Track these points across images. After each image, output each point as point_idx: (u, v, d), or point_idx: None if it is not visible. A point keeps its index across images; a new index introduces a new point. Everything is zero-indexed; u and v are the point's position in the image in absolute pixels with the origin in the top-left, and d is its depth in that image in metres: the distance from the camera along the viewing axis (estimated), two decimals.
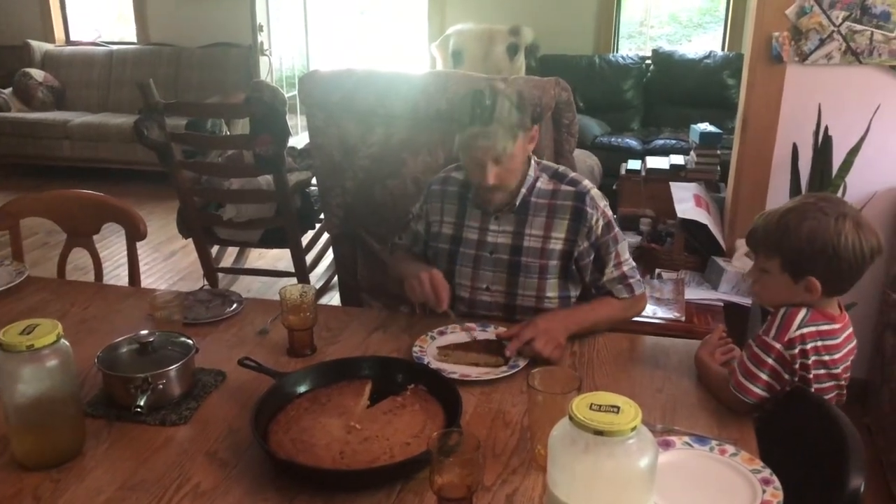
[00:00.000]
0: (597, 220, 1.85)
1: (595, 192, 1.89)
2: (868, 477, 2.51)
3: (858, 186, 2.62)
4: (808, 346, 1.43)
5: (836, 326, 1.46)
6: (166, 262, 4.56)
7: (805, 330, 1.43)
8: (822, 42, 2.63)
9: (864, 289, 2.77)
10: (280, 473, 1.29)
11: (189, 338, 1.57)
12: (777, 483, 1.23)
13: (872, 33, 2.59)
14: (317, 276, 4.08)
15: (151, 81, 3.16)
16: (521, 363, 1.63)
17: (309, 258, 3.79)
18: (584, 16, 6.01)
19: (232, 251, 4.23)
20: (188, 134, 3.55)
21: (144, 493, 1.25)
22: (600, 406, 1.02)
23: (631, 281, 1.90)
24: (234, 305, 1.93)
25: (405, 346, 1.74)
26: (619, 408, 1.02)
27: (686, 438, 1.36)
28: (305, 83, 2.84)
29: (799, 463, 1.34)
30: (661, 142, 5.19)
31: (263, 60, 5.68)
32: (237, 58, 6.24)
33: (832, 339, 1.45)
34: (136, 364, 1.49)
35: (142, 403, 1.37)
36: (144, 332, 1.54)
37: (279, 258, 4.43)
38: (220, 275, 3.85)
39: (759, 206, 2.77)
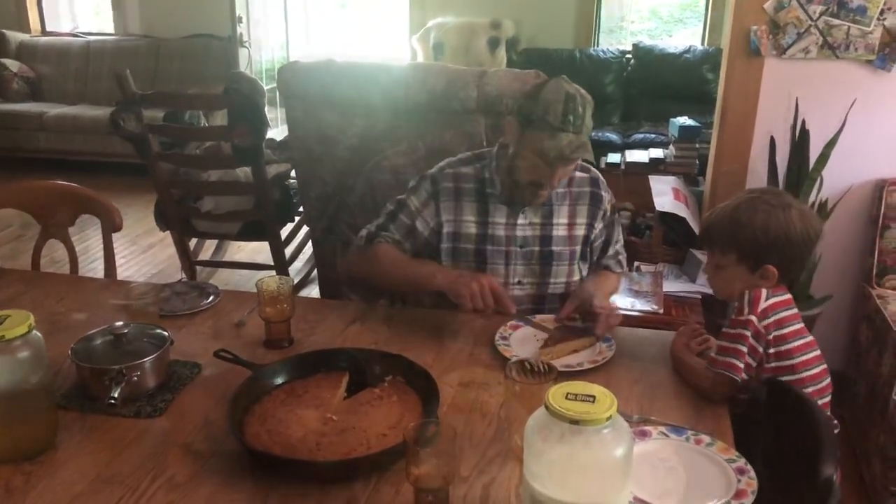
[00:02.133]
0: (608, 202, 1.99)
1: (601, 176, 2.01)
2: (842, 466, 2.54)
3: (834, 180, 2.65)
4: (781, 315, 1.49)
5: (789, 297, 1.54)
6: (144, 255, 4.52)
7: (773, 300, 1.50)
8: (799, 36, 2.65)
9: (841, 282, 2.81)
10: (256, 465, 1.28)
11: (164, 329, 1.56)
12: (752, 472, 1.24)
13: (849, 28, 2.61)
14: (296, 269, 4.05)
15: (128, 72, 3.13)
16: (609, 335, 1.69)
17: (288, 251, 3.76)
18: (564, 9, 6.01)
19: (210, 244, 4.20)
20: (165, 125, 3.51)
21: (118, 486, 1.23)
22: (576, 395, 1.03)
23: (621, 257, 2.07)
24: (211, 297, 1.91)
25: (383, 338, 1.73)
26: (594, 397, 1.02)
27: (662, 428, 1.37)
28: (285, 74, 2.82)
29: (773, 453, 1.35)
30: (640, 136, 5.20)
31: (243, 52, 5.63)
32: (217, 49, 6.18)
33: (790, 310, 1.52)
34: (110, 356, 1.47)
35: (115, 395, 1.36)
36: (119, 323, 1.52)
37: (258, 251, 4.38)
38: (199, 268, 3.83)
39: None
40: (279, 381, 1.47)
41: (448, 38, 5.64)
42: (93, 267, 4.17)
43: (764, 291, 1.50)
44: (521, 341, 1.71)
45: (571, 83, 1.76)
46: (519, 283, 1.93)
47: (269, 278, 1.68)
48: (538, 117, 1.72)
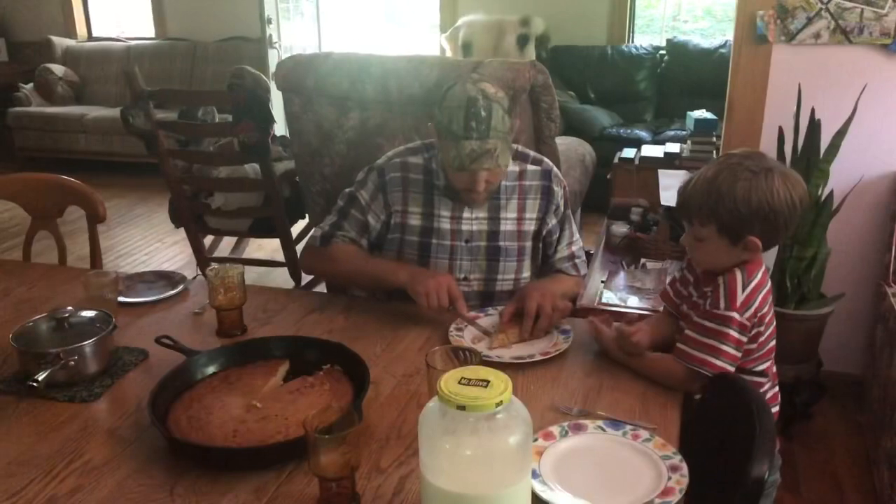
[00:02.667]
0: (561, 197, 1.89)
1: (555, 168, 1.91)
2: (854, 473, 2.41)
3: (844, 171, 2.50)
4: (758, 301, 1.42)
5: (763, 269, 1.46)
6: (167, 251, 4.59)
7: (749, 289, 1.42)
8: (809, 20, 2.52)
9: (856, 279, 2.67)
10: (174, 452, 1.25)
11: (111, 315, 1.55)
12: (685, 470, 1.16)
13: (863, 10, 2.47)
14: None
15: (137, 69, 3.17)
16: (567, 326, 1.64)
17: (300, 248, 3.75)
18: (597, 6, 5.89)
19: (230, 241, 4.23)
20: (172, 122, 3.54)
21: (33, 469, 1.22)
22: (469, 380, 0.97)
23: (577, 261, 1.95)
24: (179, 287, 1.90)
25: (338, 327, 1.70)
26: (488, 382, 0.96)
27: (600, 423, 1.30)
28: (281, 68, 2.81)
29: (720, 449, 1.27)
30: (672, 132, 5.06)
31: (272, 53, 5.67)
32: (250, 51, 6.24)
33: (764, 288, 1.46)
34: (51, 340, 1.46)
35: (40, 378, 1.35)
36: (65, 308, 1.52)
37: (279, 248, 4.40)
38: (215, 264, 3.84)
39: None
40: (213, 368, 1.44)
41: (476, 37, 5.59)
42: (115, 263, 4.26)
43: (739, 277, 1.42)
44: (475, 332, 1.65)
45: (479, 83, 1.65)
46: (465, 278, 1.86)
47: (221, 266, 1.66)
48: (444, 126, 1.65)
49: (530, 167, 1.87)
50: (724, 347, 1.40)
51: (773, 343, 1.50)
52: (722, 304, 1.41)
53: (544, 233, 1.89)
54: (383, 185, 1.86)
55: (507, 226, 1.85)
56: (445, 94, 1.68)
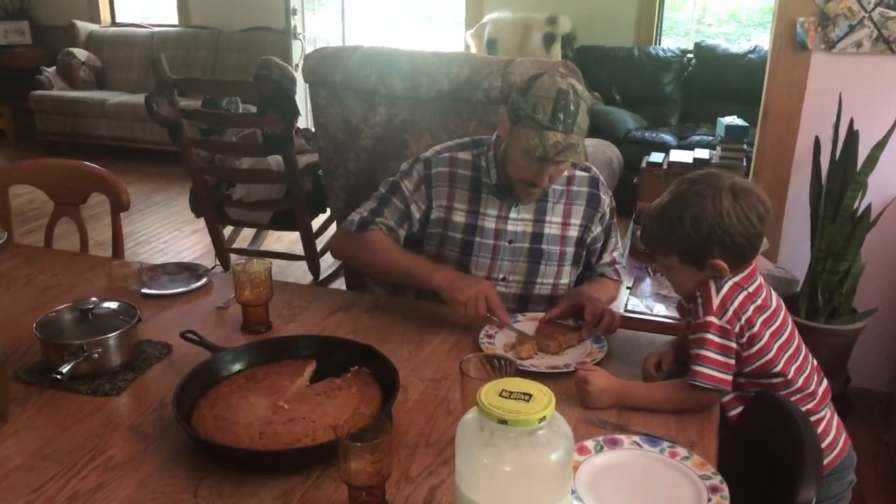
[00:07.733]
0: (608, 205, 1.87)
1: (602, 177, 1.91)
2: (881, 493, 2.36)
3: (883, 184, 2.45)
4: (738, 301, 1.38)
5: (746, 274, 1.41)
6: (185, 240, 4.57)
7: (724, 291, 1.39)
8: (851, 29, 2.46)
9: (893, 296, 2.60)
10: (198, 451, 1.22)
11: (135, 307, 1.52)
12: (725, 492, 1.12)
13: None
14: (330, 261, 4.02)
15: (163, 56, 3.14)
16: (598, 333, 1.61)
17: (321, 241, 3.73)
18: (625, 7, 5.82)
19: (249, 233, 4.21)
20: (197, 111, 3.52)
21: (55, 464, 1.20)
22: (511, 393, 0.93)
23: (617, 266, 1.94)
24: (203, 280, 1.87)
25: (363, 327, 1.66)
26: (531, 395, 0.93)
27: (636, 438, 1.26)
28: (309, 60, 2.78)
29: (761, 471, 1.23)
30: (697, 137, 4.99)
31: (296, 44, 5.64)
32: (274, 42, 6.22)
33: (753, 283, 1.41)
34: (75, 331, 1.44)
35: (64, 370, 1.32)
36: (89, 299, 1.49)
37: (298, 241, 4.38)
38: (234, 256, 3.83)
39: (778, 202, 2.62)
40: (240, 366, 1.41)
41: (502, 34, 5.54)
42: (134, 251, 4.25)
43: (712, 286, 1.39)
44: (506, 340, 1.61)
45: (567, 78, 1.63)
46: (504, 279, 1.83)
47: (248, 261, 1.63)
48: (526, 114, 1.61)
49: (579, 173, 1.85)
50: (706, 353, 1.36)
51: (780, 342, 1.41)
52: (701, 313, 1.39)
53: (588, 240, 1.86)
54: (428, 177, 1.83)
55: (552, 229, 1.82)
56: (531, 82, 1.64)
